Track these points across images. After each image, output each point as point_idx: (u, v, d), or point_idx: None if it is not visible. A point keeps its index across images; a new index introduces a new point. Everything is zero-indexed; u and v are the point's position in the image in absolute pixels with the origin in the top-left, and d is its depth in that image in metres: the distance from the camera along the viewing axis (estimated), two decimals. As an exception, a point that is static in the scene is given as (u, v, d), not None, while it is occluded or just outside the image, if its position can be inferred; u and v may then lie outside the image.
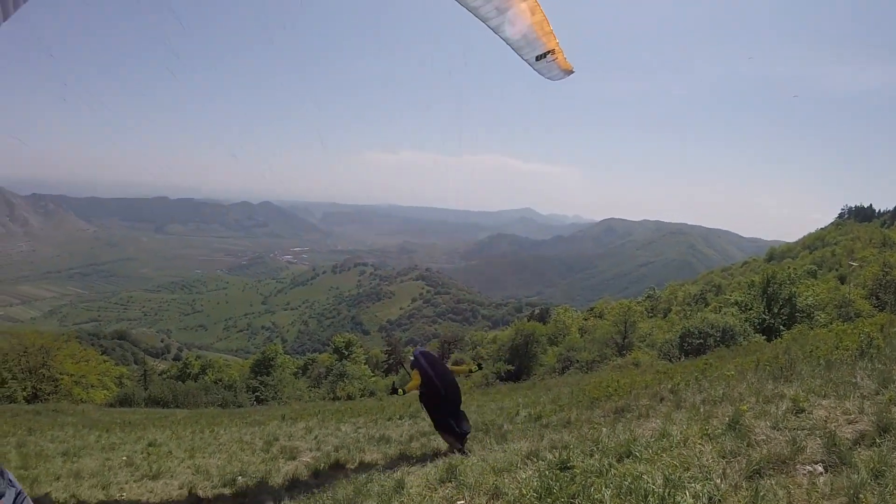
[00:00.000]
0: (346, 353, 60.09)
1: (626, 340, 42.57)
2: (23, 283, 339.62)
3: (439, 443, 10.81)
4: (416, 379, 9.31)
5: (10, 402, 35.60)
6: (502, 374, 41.33)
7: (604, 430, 8.61)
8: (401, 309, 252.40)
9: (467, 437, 9.53)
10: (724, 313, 38.04)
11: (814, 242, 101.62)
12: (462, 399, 9.61)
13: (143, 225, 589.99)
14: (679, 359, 29.04)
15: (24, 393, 38.36)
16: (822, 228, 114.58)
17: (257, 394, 43.81)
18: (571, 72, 9.80)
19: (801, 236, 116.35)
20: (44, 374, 39.69)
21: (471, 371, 11.29)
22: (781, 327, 34.36)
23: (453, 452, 9.17)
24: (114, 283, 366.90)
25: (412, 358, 9.73)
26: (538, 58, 9.47)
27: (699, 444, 6.37)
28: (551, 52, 9.33)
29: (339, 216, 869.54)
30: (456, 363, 9.29)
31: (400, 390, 9.82)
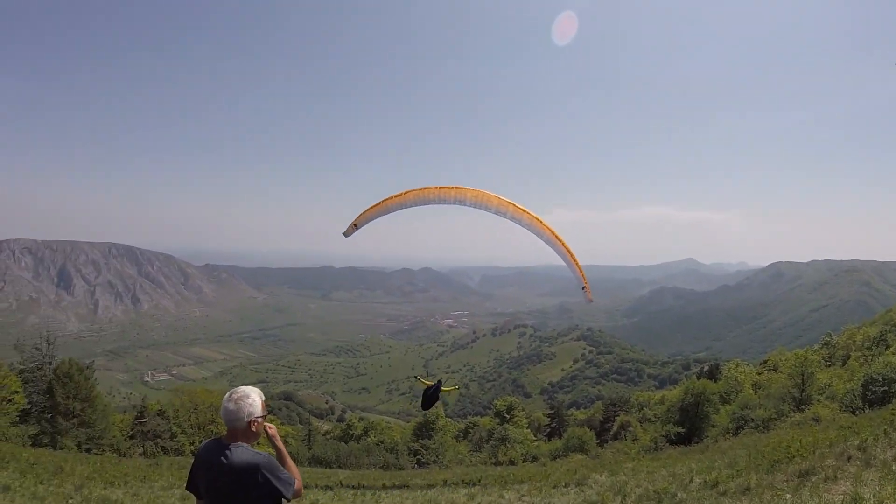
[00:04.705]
0: (508, 416, 59.16)
1: (803, 394, 39.08)
2: (196, 346, 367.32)
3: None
4: (430, 383, 16.55)
5: (178, 455, 37.34)
6: (672, 436, 38.94)
7: (788, 496, 8.07)
8: (562, 370, 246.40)
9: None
10: (908, 354, 34.06)
11: None
12: (435, 402, 16.92)
13: (310, 292, 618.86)
14: (863, 410, 26.14)
15: (192, 447, 39.88)
16: None
17: (419, 457, 43.69)
18: (591, 301, 16.57)
19: None
20: (212, 431, 41.19)
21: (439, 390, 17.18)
22: (977, 367, 30.23)
23: None
24: (281, 346, 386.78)
25: (438, 379, 17.19)
26: (582, 287, 15.80)
27: (895, 506, 5.29)
28: (586, 287, 15.73)
29: (496, 279, 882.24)
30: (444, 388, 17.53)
31: (423, 378, 17.22)
